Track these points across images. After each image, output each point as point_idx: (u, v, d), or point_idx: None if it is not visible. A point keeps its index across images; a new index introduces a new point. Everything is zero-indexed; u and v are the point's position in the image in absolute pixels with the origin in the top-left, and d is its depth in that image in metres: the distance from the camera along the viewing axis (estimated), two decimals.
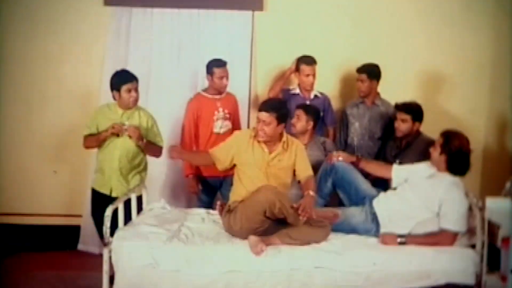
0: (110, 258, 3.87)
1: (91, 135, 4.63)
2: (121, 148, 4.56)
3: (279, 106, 4.20)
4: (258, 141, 4.20)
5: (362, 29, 5.50)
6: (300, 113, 4.83)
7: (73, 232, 5.53)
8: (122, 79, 4.56)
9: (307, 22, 5.51)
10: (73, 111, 5.60)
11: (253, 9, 5.50)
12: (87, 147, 4.74)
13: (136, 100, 4.63)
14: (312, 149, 4.77)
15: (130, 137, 4.50)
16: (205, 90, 5.08)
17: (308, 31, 5.51)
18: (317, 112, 4.93)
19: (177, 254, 3.81)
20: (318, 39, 5.47)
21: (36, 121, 5.63)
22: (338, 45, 5.49)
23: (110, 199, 4.35)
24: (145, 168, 4.77)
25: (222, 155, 4.25)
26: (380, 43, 5.48)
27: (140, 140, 4.51)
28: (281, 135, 4.23)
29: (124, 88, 4.54)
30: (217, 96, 5.03)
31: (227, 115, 5.03)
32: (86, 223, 5.49)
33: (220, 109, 5.01)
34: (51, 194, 5.65)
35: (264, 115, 4.12)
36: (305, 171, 4.28)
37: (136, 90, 4.61)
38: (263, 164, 4.18)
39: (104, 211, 3.90)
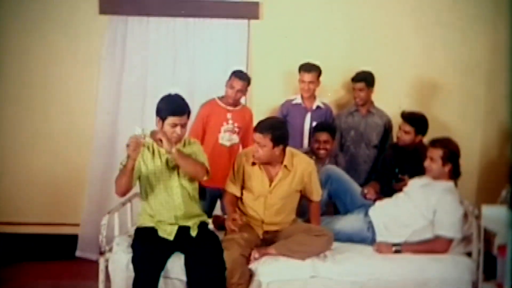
0: (106, 267, 3.87)
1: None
2: (176, 203, 3.87)
3: (274, 127, 3.94)
4: (254, 163, 4.04)
5: (357, 38, 5.49)
6: (327, 137, 4.76)
7: (70, 241, 5.50)
8: (171, 109, 3.77)
9: (303, 31, 5.50)
10: (69, 118, 5.59)
11: (248, 18, 5.49)
12: (120, 191, 3.83)
13: (180, 138, 3.83)
14: (327, 165, 4.74)
15: (160, 142, 3.69)
16: (220, 98, 4.96)
17: (304, 39, 5.49)
18: (335, 129, 4.93)
19: (176, 263, 3.79)
20: (313, 47, 5.46)
21: (31, 127, 5.60)
22: (334, 53, 5.48)
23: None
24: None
25: (233, 185, 4.12)
26: (375, 51, 5.47)
27: (171, 146, 3.66)
28: (281, 156, 4.01)
29: (169, 120, 3.76)
30: (230, 107, 4.90)
31: (236, 129, 4.90)
32: (84, 231, 5.49)
33: (230, 121, 4.88)
34: (47, 204, 5.61)
35: (258, 136, 3.91)
36: (312, 196, 4.16)
37: (184, 126, 3.81)
38: (262, 193, 4.03)
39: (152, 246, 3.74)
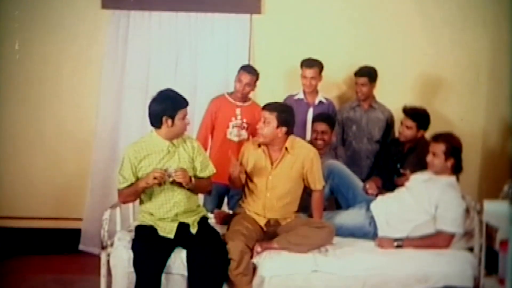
0: (108, 262, 3.87)
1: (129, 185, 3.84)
2: (176, 199, 3.86)
3: (282, 109, 4.14)
4: (259, 145, 4.15)
5: (360, 32, 5.48)
6: (325, 128, 4.77)
7: (72, 235, 5.51)
8: (178, 104, 3.82)
9: (305, 25, 5.50)
10: (72, 113, 5.61)
11: (251, 12, 5.48)
12: (124, 202, 4.03)
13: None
14: (326, 157, 4.73)
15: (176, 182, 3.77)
16: (230, 94, 4.97)
17: (306, 34, 5.49)
18: (334, 120, 4.94)
19: (177, 258, 3.79)
20: (316, 42, 5.45)
21: (34, 122, 5.61)
22: (336, 48, 5.47)
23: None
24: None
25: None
26: (378, 46, 5.46)
27: (190, 183, 3.79)
28: (283, 140, 4.13)
29: (180, 114, 3.82)
30: (239, 103, 4.90)
31: (245, 125, 4.89)
32: (87, 226, 5.50)
33: (239, 117, 4.88)
34: (50, 197, 5.63)
35: (264, 113, 4.09)
36: (314, 184, 4.19)
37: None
38: (264, 175, 4.12)
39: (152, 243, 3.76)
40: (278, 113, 4.06)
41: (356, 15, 5.50)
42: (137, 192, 3.82)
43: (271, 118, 4.06)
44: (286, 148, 4.12)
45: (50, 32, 5.53)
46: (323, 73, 5.15)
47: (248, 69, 4.91)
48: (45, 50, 5.55)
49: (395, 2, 5.50)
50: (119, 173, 3.87)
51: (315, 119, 4.87)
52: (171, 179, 3.74)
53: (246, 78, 4.85)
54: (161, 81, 5.38)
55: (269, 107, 4.12)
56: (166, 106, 3.79)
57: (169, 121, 3.78)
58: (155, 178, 3.67)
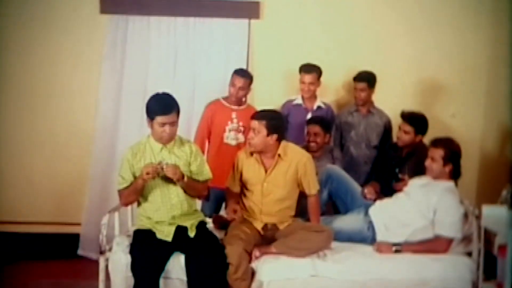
0: (107, 266, 3.88)
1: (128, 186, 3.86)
2: (173, 201, 3.89)
3: (271, 116, 4.10)
4: (251, 154, 4.14)
5: (358, 37, 5.50)
6: (318, 130, 4.79)
7: (71, 240, 5.51)
8: (158, 108, 3.78)
9: (303, 30, 5.50)
10: (71, 117, 5.60)
11: (249, 17, 5.48)
12: (126, 203, 4.03)
13: (171, 136, 3.84)
14: (323, 160, 4.77)
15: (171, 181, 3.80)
16: (225, 98, 4.98)
17: (305, 39, 5.49)
18: (329, 123, 4.95)
19: (176, 263, 3.80)
20: (314, 47, 5.46)
21: (33, 127, 5.61)
22: (335, 53, 5.48)
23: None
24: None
25: (233, 181, 4.21)
26: (375, 51, 5.48)
27: (181, 180, 3.79)
28: (275, 147, 4.11)
29: (158, 119, 3.77)
30: (235, 107, 4.93)
31: (241, 128, 4.91)
32: (86, 231, 5.50)
33: (235, 121, 4.90)
34: (49, 203, 5.62)
35: (253, 122, 4.07)
36: (309, 189, 4.18)
37: (174, 124, 3.80)
38: (259, 182, 4.11)
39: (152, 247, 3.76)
40: (267, 121, 4.04)
41: (354, 20, 5.51)
42: (136, 190, 3.82)
43: (260, 127, 4.04)
44: (279, 155, 4.11)
45: (49, 37, 5.54)
46: (322, 78, 5.16)
47: (241, 73, 4.93)
48: (44, 53, 5.55)
49: (394, 7, 5.51)
50: (119, 175, 3.91)
51: (309, 122, 4.90)
52: (163, 173, 3.75)
53: (239, 82, 4.87)
54: (159, 85, 5.35)
55: (257, 116, 4.11)
56: (149, 107, 3.82)
57: (150, 123, 3.82)
58: (147, 173, 3.69)
